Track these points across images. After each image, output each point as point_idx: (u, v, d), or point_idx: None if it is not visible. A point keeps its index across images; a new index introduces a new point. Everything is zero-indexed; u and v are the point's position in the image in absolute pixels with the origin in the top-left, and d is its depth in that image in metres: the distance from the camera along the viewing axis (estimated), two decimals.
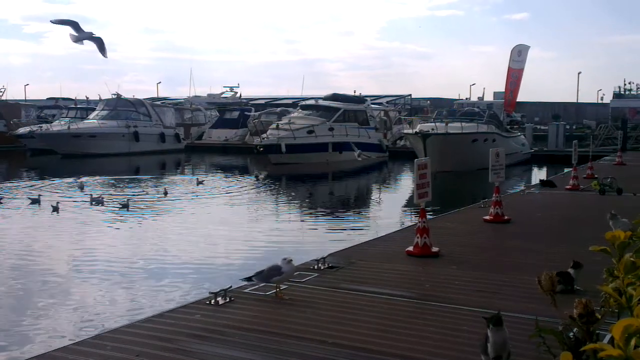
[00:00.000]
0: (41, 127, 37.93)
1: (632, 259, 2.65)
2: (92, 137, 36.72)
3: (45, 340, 6.94)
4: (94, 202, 16.59)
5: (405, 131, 30.35)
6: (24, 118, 44.41)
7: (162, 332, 4.94)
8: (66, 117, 41.78)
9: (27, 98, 67.12)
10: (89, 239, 12.91)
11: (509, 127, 33.34)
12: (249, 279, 5.98)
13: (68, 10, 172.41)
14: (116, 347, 4.62)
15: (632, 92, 74.23)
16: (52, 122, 40.26)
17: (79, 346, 4.76)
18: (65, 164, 31.74)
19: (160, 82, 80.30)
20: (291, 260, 5.91)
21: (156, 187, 22.06)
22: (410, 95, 67.37)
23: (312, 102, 36.47)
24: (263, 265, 6.08)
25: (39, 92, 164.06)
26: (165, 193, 18.88)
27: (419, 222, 7.73)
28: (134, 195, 19.19)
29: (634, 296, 2.29)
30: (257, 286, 6.03)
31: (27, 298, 8.72)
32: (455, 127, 26.49)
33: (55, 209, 15.63)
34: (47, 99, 62.80)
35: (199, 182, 22.12)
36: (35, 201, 16.85)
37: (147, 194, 20.21)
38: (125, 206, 16.12)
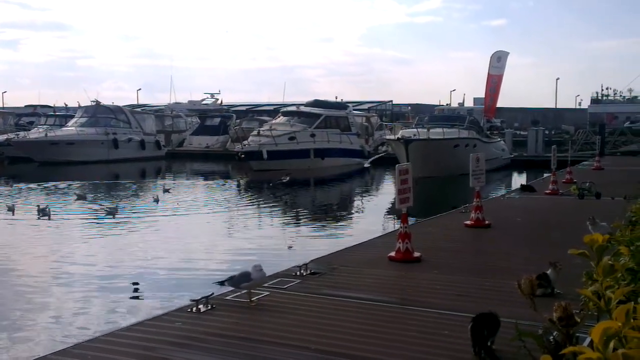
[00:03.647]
0: (18, 134, 37.48)
1: (610, 262, 2.68)
2: (70, 144, 36.32)
3: (25, 350, 6.84)
4: (40, 214, 15.93)
5: (387, 137, 30.45)
6: (2, 126, 43.87)
7: (143, 340, 4.90)
8: (44, 125, 41.35)
9: (4, 105, 66.47)
10: (69, 247, 12.76)
11: (489, 132, 33.61)
12: (221, 283, 6.01)
13: (45, 17, 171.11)
14: (97, 356, 4.57)
15: (609, 98, 75.33)
16: (30, 130, 39.80)
17: (59, 356, 4.70)
18: (43, 171, 31.41)
19: (140, 89, 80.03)
20: (261, 268, 5.85)
21: (131, 195, 21.88)
22: (391, 101, 67.69)
23: (293, 108, 36.45)
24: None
25: (17, 99, 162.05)
26: (157, 200, 18.66)
27: (401, 227, 7.76)
28: (112, 202, 19.02)
29: (612, 299, 2.31)
30: (238, 293, 6.01)
31: (5, 307, 8.59)
32: (436, 132, 26.64)
33: (46, 214, 15.48)
34: (26, 106, 62.16)
35: (165, 190, 21.42)
36: (10, 209, 16.64)
37: (134, 200, 20.06)
38: (111, 213, 15.97)
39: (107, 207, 16.69)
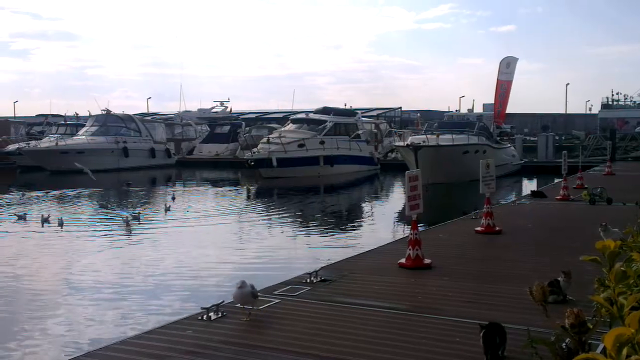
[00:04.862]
0: (29, 144, 37.74)
1: (622, 268, 2.67)
2: (81, 153, 36.55)
3: (37, 358, 6.87)
4: (55, 223, 16.02)
5: (397, 143, 30.46)
6: (14, 135, 44.19)
7: (154, 348, 4.90)
8: (56, 134, 41.62)
9: (16, 115, 66.89)
10: (80, 256, 12.80)
11: (499, 138, 33.52)
12: None
13: (56, 27, 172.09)
14: None
15: (619, 103, 74.90)
16: (41, 139, 40.09)
17: None
18: (54, 180, 31.60)
19: (150, 98, 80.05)
20: (242, 285, 5.46)
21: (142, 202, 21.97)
22: (400, 107, 67.61)
23: (302, 115, 36.51)
24: (252, 279, 6.06)
25: (28, 109, 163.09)
26: (167, 209, 18.75)
27: (411, 234, 7.74)
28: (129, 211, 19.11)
29: (625, 305, 2.30)
30: None
31: (17, 316, 8.63)
32: (446, 139, 26.60)
33: (60, 223, 15.62)
34: (37, 115, 62.59)
35: (173, 198, 21.79)
36: (21, 217, 16.74)
37: (148, 208, 20.15)
38: (126, 222, 16.08)
39: (130, 215, 16.82)
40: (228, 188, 28.33)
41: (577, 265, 5.43)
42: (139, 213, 17.23)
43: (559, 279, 5.92)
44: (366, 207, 23.67)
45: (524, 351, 3.96)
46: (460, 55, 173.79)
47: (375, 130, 40.65)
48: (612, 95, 75.55)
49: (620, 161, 31.38)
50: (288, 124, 35.49)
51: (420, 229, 8.09)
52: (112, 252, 13.30)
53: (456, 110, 63.44)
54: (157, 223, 16.91)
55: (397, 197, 24.59)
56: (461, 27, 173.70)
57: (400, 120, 63.78)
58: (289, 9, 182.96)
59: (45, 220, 16.10)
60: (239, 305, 5.65)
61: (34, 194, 24.44)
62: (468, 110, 60.44)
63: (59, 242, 14.28)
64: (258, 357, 4.67)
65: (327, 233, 16.04)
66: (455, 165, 25.08)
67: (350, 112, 38.37)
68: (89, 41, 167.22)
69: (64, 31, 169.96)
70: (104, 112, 41.31)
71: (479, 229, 10.29)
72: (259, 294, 5.85)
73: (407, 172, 8.12)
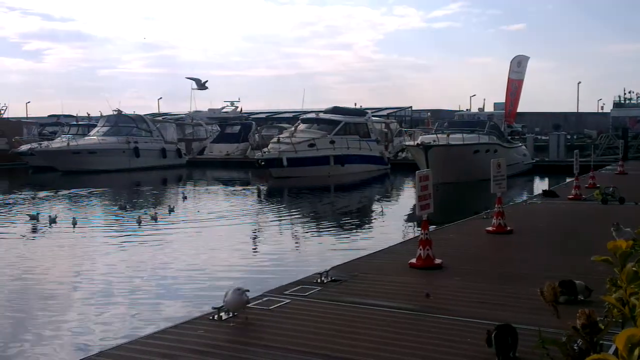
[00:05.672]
0: (41, 144, 38.02)
1: (634, 268, 2.65)
2: (92, 153, 36.79)
3: (48, 358, 6.92)
4: (64, 223, 16.22)
5: (407, 143, 30.40)
6: (26, 135, 44.53)
7: (165, 348, 4.93)
8: (67, 134, 41.90)
9: (28, 115, 67.39)
10: (91, 256, 12.89)
11: (510, 137, 33.39)
12: None
13: (67, 28, 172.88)
14: None
15: (632, 102, 74.26)
16: (53, 139, 40.37)
17: None
18: (65, 180, 31.80)
19: (161, 98, 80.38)
20: (241, 292, 5.39)
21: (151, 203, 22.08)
22: (410, 107, 67.44)
23: (312, 115, 36.54)
24: (263, 279, 6.07)
25: (40, 109, 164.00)
26: (172, 210, 18.87)
27: (422, 234, 7.73)
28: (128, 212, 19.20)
29: (637, 306, 2.29)
30: (260, 300, 6.02)
31: (28, 316, 8.70)
32: (456, 138, 26.52)
33: (74, 223, 15.76)
34: (49, 116, 63.05)
35: (184, 198, 22.17)
36: (34, 218, 16.87)
37: (152, 209, 20.24)
38: (138, 222, 16.18)
39: (147, 214, 16.94)
40: (239, 188, 28.41)
41: (589, 265, 5.41)
42: (156, 213, 17.34)
43: (576, 281, 5.88)
44: (376, 207, 23.64)
45: (535, 352, 3.95)
46: (470, 54, 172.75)
47: (386, 130, 40.62)
48: (625, 93, 74.92)
49: (632, 160, 31.17)
50: (298, 124, 35.53)
51: (430, 228, 8.08)
52: (123, 252, 13.37)
53: (467, 110, 63.25)
54: (168, 223, 16.98)
55: (407, 196, 24.53)
56: (471, 26, 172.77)
57: (410, 119, 63.66)
58: (298, 9, 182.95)
59: (52, 221, 16.21)
60: (236, 309, 5.56)
61: (45, 193, 24.64)
62: (479, 109, 60.23)
63: (72, 242, 14.36)
64: (269, 357, 4.68)
65: (337, 233, 16.04)
66: (466, 165, 25.00)
67: (361, 112, 38.37)
68: (99, 42, 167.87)
69: (75, 32, 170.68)
70: (115, 113, 41.55)
71: (490, 228, 10.26)
72: (248, 297, 5.73)
73: (417, 171, 8.12)
